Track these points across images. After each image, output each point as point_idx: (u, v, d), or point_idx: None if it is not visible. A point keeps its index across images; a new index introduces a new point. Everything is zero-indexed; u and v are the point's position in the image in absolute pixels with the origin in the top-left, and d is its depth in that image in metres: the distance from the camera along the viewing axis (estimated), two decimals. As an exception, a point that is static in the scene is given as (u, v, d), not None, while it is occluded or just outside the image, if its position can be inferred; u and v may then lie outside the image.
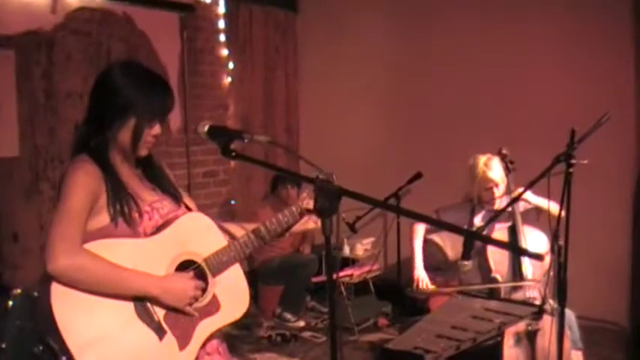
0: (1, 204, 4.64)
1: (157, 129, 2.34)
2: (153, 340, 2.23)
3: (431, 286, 4.36)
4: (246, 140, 2.24)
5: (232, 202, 6.59)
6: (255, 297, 6.30)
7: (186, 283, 2.29)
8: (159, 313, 2.26)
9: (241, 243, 2.47)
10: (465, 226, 4.34)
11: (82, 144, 2.31)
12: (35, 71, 4.84)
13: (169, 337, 2.26)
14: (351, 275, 5.98)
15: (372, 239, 6.34)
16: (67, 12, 5.03)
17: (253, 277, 6.27)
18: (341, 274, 5.91)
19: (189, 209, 2.54)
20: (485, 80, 5.89)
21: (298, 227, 2.69)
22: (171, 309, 2.28)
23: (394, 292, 6.02)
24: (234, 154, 2.24)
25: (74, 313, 2.12)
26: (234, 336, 5.51)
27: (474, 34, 5.94)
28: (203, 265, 2.39)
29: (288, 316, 5.90)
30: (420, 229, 4.61)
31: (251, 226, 2.62)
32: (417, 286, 4.39)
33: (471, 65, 5.96)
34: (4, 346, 3.33)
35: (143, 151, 2.36)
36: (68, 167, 2.27)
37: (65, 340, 2.08)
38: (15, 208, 4.70)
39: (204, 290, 2.36)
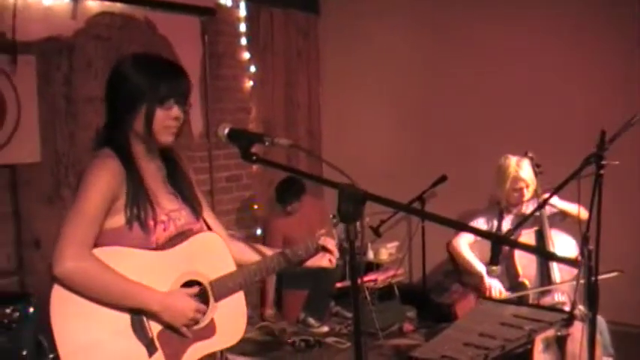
0: (22, 210, 4.63)
1: (175, 111, 2.28)
2: (142, 355, 2.19)
3: (505, 293, 4.18)
4: (267, 143, 2.20)
5: (255, 207, 6.55)
6: (279, 302, 6.27)
7: (188, 304, 2.25)
8: (154, 329, 2.22)
9: (250, 271, 2.45)
10: (493, 231, 4.26)
11: (104, 140, 2.29)
12: (56, 77, 4.82)
13: (159, 354, 2.22)
14: (376, 280, 5.91)
15: (396, 243, 6.27)
16: (88, 17, 5.01)
17: (278, 282, 6.24)
18: (365, 278, 5.84)
19: (207, 225, 2.50)
20: (510, 82, 5.80)
21: (311, 263, 2.66)
22: (167, 326, 2.23)
23: (419, 296, 5.96)
24: (254, 157, 2.20)
25: (70, 318, 2.10)
26: (258, 341, 5.46)
27: (498, 36, 5.86)
28: (207, 287, 2.35)
29: (312, 321, 5.85)
30: (463, 243, 4.47)
31: (268, 251, 2.63)
32: (490, 294, 4.19)
33: (495, 67, 5.88)
34: (24, 353, 3.32)
35: (165, 137, 2.29)
36: (89, 161, 2.23)
37: (57, 342, 2.07)
38: (36, 214, 4.68)
39: (204, 313, 2.31)
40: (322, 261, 2.68)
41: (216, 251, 2.41)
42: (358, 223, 2.00)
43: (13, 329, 3.43)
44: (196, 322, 2.28)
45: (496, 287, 4.18)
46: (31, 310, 3.45)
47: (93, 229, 2.14)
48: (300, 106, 7.05)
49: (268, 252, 2.63)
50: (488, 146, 5.09)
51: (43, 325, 2.13)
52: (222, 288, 2.36)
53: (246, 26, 6.37)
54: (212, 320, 2.34)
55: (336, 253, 2.68)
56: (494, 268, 3.72)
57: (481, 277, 4.28)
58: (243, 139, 2.23)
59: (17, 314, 3.44)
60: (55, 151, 4.83)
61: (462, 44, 6.10)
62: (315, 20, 7.14)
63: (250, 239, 6.26)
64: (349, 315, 5.87)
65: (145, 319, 2.20)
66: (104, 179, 2.17)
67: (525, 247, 2.59)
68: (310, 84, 7.14)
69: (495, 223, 4.44)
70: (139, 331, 2.19)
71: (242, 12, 6.32)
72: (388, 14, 6.56)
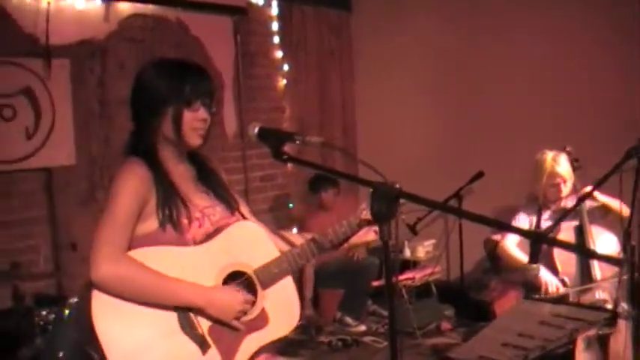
0: (58, 213, 4.67)
1: (202, 113, 2.25)
2: (196, 353, 2.15)
3: (562, 289, 4.03)
4: (298, 142, 2.15)
5: (290, 205, 6.53)
6: (315, 301, 6.24)
7: (234, 296, 2.20)
8: (203, 325, 2.17)
9: (294, 254, 2.36)
10: (532, 228, 4.17)
11: (132, 148, 2.27)
12: (90, 80, 4.87)
13: (213, 351, 2.17)
14: (413, 278, 5.84)
15: (433, 241, 6.18)
16: (120, 20, 5.05)
17: (314, 281, 6.21)
18: (402, 277, 5.78)
19: (244, 218, 2.45)
20: (547, 76, 5.68)
21: (357, 239, 2.57)
22: (216, 321, 2.18)
23: (457, 294, 5.88)
24: (285, 156, 2.16)
25: (115, 324, 2.07)
26: (294, 341, 5.44)
27: (535, 29, 5.74)
28: (252, 276, 2.29)
29: (349, 320, 5.81)
30: (511, 243, 4.35)
31: (308, 236, 2.52)
32: (547, 290, 4.04)
33: (532, 60, 5.76)
34: (61, 355, 3.34)
35: (194, 140, 2.26)
36: (118, 169, 2.22)
37: (105, 351, 2.03)
38: (72, 216, 4.72)
39: (252, 303, 2.26)
40: (367, 235, 2.59)
41: (255, 239, 2.35)
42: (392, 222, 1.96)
43: (50, 331, 3.46)
44: (245, 313, 2.22)
45: (552, 282, 4.03)
46: (67, 312, 3.47)
47: (126, 232, 2.13)
48: (334, 104, 7.02)
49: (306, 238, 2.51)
50: (526, 141, 5.00)
51: (86, 331, 2.05)
52: (268, 275, 2.30)
53: (279, 25, 6.36)
54: (263, 310, 2.28)
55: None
56: (533, 266, 3.62)
57: (536, 274, 4.16)
58: (273, 138, 2.19)
59: (53, 316, 3.47)
60: (90, 154, 4.87)
61: (496, 38, 6.00)
62: (347, 17, 7.09)
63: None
64: (386, 314, 5.81)
65: (192, 315, 2.16)
66: (132, 184, 2.16)
67: (566, 246, 2.52)
68: (344, 82, 7.09)
69: (534, 219, 4.35)
70: (188, 328, 2.15)
71: (274, 11, 6.31)
72: (421, 9, 6.48)
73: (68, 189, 4.76)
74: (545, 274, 4.07)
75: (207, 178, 2.40)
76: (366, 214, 2.49)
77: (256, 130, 2.22)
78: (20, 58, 4.50)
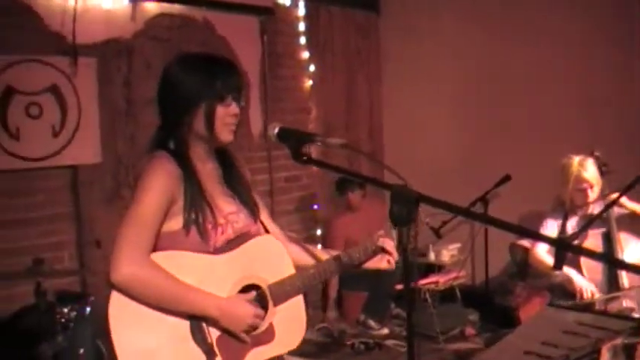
0: (83, 210, 4.69)
1: (233, 108, 2.23)
2: None
3: (597, 295, 3.96)
4: (318, 143, 2.13)
5: (315, 206, 6.50)
6: (339, 303, 6.21)
7: (247, 310, 2.20)
8: (213, 334, 2.17)
9: (309, 274, 2.39)
10: (558, 233, 4.10)
11: (160, 143, 2.24)
12: (116, 78, 4.88)
13: None
14: (437, 282, 5.79)
15: (458, 245, 6.12)
16: (147, 19, 5.05)
17: (338, 284, 6.19)
18: (426, 281, 5.74)
19: (264, 227, 2.45)
20: (576, 79, 5.62)
21: (370, 265, 2.58)
22: (225, 332, 2.18)
23: (482, 299, 5.81)
24: (305, 158, 2.13)
25: (129, 324, 2.06)
26: (317, 343, 5.42)
27: (562, 33, 5.68)
28: (266, 291, 2.29)
29: (372, 323, 5.77)
30: (542, 250, 4.26)
31: (326, 254, 2.56)
32: (582, 296, 3.97)
33: (560, 64, 5.70)
34: (81, 352, 3.35)
35: (226, 135, 2.24)
36: (146, 163, 2.18)
37: (115, 348, 2.03)
38: (97, 214, 4.74)
39: (262, 318, 2.26)
40: (381, 262, 2.60)
41: (274, 254, 2.37)
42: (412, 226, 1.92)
43: (71, 328, 3.47)
44: (255, 328, 2.23)
45: (588, 288, 3.96)
46: (88, 310, 3.48)
47: (150, 234, 2.10)
48: (360, 105, 6.98)
49: (325, 255, 2.56)
50: (555, 144, 4.93)
51: (101, 328, 2.08)
52: (281, 292, 2.31)
53: (305, 25, 6.34)
54: (271, 325, 2.29)
55: (395, 255, 2.60)
56: (557, 273, 3.56)
57: (570, 280, 4.08)
58: (293, 139, 2.16)
59: (74, 314, 3.48)
60: (116, 152, 4.88)
61: (522, 41, 5.93)
62: (375, 19, 7.05)
63: (310, 240, 6.23)
64: (410, 317, 5.77)
65: (204, 324, 2.15)
66: (161, 181, 2.13)
67: (591, 255, 2.45)
68: (371, 83, 7.06)
69: (560, 224, 4.28)
70: (199, 336, 2.14)
71: (301, 11, 6.29)
72: (449, 12, 6.43)
73: (93, 187, 4.77)
74: (580, 280, 3.99)
75: (233, 180, 2.38)
76: (382, 241, 2.52)
77: (276, 130, 2.20)
78: (47, 57, 4.51)
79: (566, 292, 4.01)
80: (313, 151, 6.25)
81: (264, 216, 2.50)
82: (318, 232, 6.44)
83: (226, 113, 2.21)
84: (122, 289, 2.04)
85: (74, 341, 3.38)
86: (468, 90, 6.39)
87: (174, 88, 2.22)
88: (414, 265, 5.93)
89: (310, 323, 5.52)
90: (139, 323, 2.07)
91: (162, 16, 5.16)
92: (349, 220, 5.90)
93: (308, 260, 2.53)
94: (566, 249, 2.70)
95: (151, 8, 5.08)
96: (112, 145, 4.86)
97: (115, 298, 2.05)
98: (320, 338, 5.56)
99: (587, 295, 3.94)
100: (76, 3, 4.58)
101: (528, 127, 5.90)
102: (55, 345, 3.43)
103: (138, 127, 4.95)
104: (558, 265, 3.11)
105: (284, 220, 6.17)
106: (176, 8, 5.23)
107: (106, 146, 4.82)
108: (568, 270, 4.07)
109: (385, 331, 5.72)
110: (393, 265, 2.61)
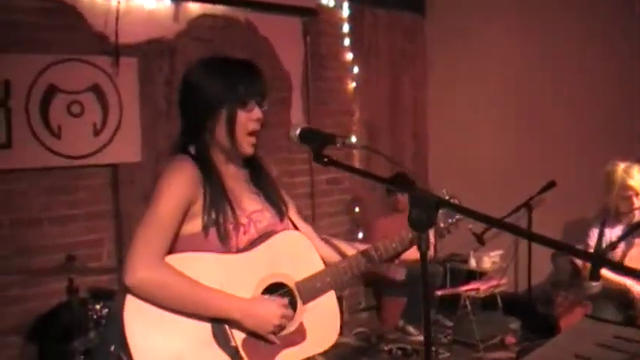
0: (123, 208, 4.74)
1: (256, 112, 2.18)
2: None
3: None
4: (338, 144, 2.09)
5: (356, 209, 6.45)
6: (378, 308, 6.15)
7: (273, 310, 2.11)
8: (237, 337, 2.09)
9: (339, 268, 2.28)
10: (595, 242, 3.98)
11: (182, 147, 2.21)
12: (157, 78, 4.91)
13: None
14: (477, 289, 5.67)
15: (500, 251, 6.00)
16: (189, 20, 5.09)
17: (377, 288, 6.13)
18: (466, 287, 5.63)
19: (294, 225, 2.37)
20: (619, 84, 5.45)
21: (408, 255, 2.44)
22: (251, 334, 2.10)
23: (524, 308, 5.68)
24: (326, 159, 2.09)
25: (147, 331, 2.00)
26: (354, 347, 5.37)
27: (609, 41, 5.51)
28: (294, 289, 2.21)
29: (411, 329, 5.70)
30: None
31: (357, 248, 2.44)
32: None
33: (603, 68, 5.54)
34: (112, 348, 3.35)
35: (246, 147, 2.20)
36: (165, 166, 2.16)
37: (133, 357, 1.96)
38: (137, 212, 4.74)
39: (291, 317, 2.17)
40: (417, 253, 2.52)
41: (300, 250, 2.27)
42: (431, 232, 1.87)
43: (103, 325, 3.49)
44: (283, 328, 2.14)
45: None
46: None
47: (167, 237, 2.05)
48: (404, 108, 6.90)
49: (353, 250, 2.43)
50: (601, 150, 4.81)
51: (117, 339, 2.02)
52: (310, 289, 2.22)
53: (349, 27, 6.29)
54: (301, 324, 2.20)
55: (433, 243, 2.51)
56: (593, 284, 3.44)
57: (628, 288, 3.96)
58: (315, 140, 2.13)
59: (107, 310, 3.50)
60: (156, 151, 4.91)
61: (570, 44, 5.79)
62: (420, 21, 6.96)
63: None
64: (449, 324, 5.69)
65: (226, 327, 2.08)
66: (179, 183, 2.09)
67: (630, 273, 2.34)
68: (415, 86, 6.97)
69: (606, 232, 4.15)
70: (222, 340, 2.07)
71: (345, 12, 6.25)
72: (496, 14, 6.32)
73: (133, 185, 4.81)
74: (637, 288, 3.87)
75: (260, 178, 2.34)
76: None
77: (298, 131, 2.16)
78: (89, 56, 4.58)
79: (622, 302, 3.88)
80: (355, 155, 6.27)
81: (293, 214, 2.43)
82: (360, 235, 6.39)
83: (249, 118, 2.17)
84: (138, 293, 1.99)
85: (106, 338, 3.39)
86: (514, 93, 6.27)
87: (196, 92, 2.19)
88: (440, 272, 5.87)
89: (347, 327, 5.56)
90: (158, 328, 2.01)
91: (204, 16, 5.18)
92: (394, 221, 5.82)
93: (337, 257, 2.42)
94: (600, 265, 2.59)
95: (194, 9, 5.11)
96: (152, 144, 4.89)
97: (131, 302, 1.99)
98: (357, 342, 5.51)
99: None
100: (118, 4, 4.64)
101: (574, 132, 5.76)
102: (86, 341, 3.46)
103: (178, 126, 4.95)
104: (594, 277, 3.00)
105: (325, 223, 6.14)
106: (219, 9, 5.25)
107: (146, 145, 4.86)
108: (623, 279, 3.94)
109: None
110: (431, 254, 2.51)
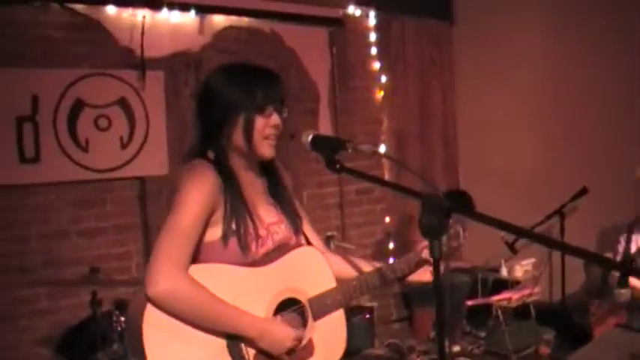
0: (150, 221, 4.76)
1: (274, 119, 2.17)
2: None
3: None
4: (349, 150, 2.06)
5: (387, 219, 6.39)
6: (410, 319, 6.08)
7: (287, 333, 2.11)
8: (250, 353, 2.10)
9: (350, 288, 2.31)
10: (622, 250, 3.88)
11: (200, 153, 2.20)
12: (184, 91, 4.93)
13: None
14: (509, 299, 5.56)
15: (532, 260, 5.88)
16: (215, 32, 5.11)
17: (408, 299, 6.05)
18: (498, 297, 5.53)
19: (306, 239, 2.38)
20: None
21: (414, 277, 2.48)
22: (263, 352, 2.11)
23: (558, 317, 5.56)
24: (338, 166, 2.07)
25: (165, 343, 1.99)
26: (384, 358, 5.31)
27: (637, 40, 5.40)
28: (306, 306, 2.22)
29: (443, 340, 5.60)
30: None
31: (370, 265, 2.47)
32: None
33: (635, 72, 5.42)
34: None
35: (265, 149, 2.19)
36: (184, 172, 2.13)
37: None
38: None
39: (302, 339, 2.18)
40: (424, 275, 2.49)
41: (315, 267, 2.30)
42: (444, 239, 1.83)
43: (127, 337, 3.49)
44: (294, 350, 2.14)
45: None
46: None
47: (189, 247, 2.03)
48: (434, 116, 6.83)
49: (367, 266, 2.47)
50: (634, 156, 4.69)
51: (134, 349, 2.01)
52: (322, 306, 2.24)
53: (376, 36, 6.25)
54: (310, 340, 2.22)
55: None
56: (622, 292, 3.34)
57: (625, 300, 3.88)
58: (327, 147, 2.10)
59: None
60: (183, 164, 4.92)
61: (604, 50, 5.68)
62: (448, 29, 6.90)
63: (381, 254, 6.14)
64: (482, 335, 5.59)
65: (242, 344, 2.09)
66: (201, 191, 2.06)
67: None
68: (445, 94, 6.90)
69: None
70: (236, 355, 2.08)
71: (371, 22, 6.20)
72: (525, 20, 6.23)
73: (161, 198, 4.83)
74: None
75: (277, 189, 2.34)
76: (427, 254, 2.37)
77: (310, 138, 2.14)
78: (116, 70, 4.63)
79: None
80: (385, 163, 6.23)
81: (307, 228, 2.43)
82: (391, 245, 6.33)
83: (266, 124, 2.16)
84: (159, 304, 1.96)
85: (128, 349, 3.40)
86: (544, 100, 6.17)
87: (214, 98, 2.18)
88: (466, 282, 5.76)
89: (379, 339, 5.50)
90: (175, 340, 2.00)
91: (230, 28, 5.20)
92: None
93: (350, 272, 2.44)
94: (628, 274, 2.52)
95: (219, 21, 5.13)
96: (179, 156, 4.88)
97: (150, 312, 1.97)
98: (389, 354, 5.44)
99: None
100: (144, 18, 4.68)
101: (607, 136, 5.65)
102: (110, 353, 3.47)
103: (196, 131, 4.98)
104: (623, 285, 2.91)
105: (355, 233, 6.10)
106: (244, 21, 5.27)
107: (173, 158, 4.87)
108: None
109: (456, 348, 5.53)
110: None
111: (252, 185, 2.25)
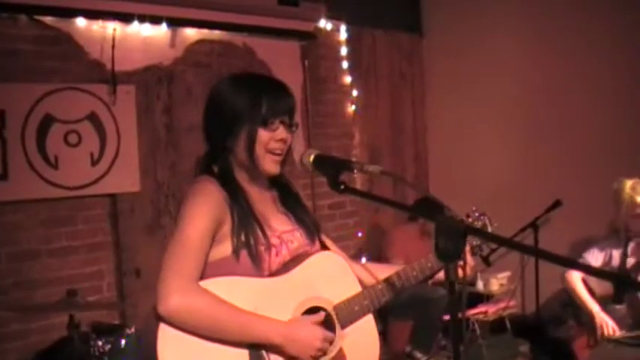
0: (122, 239, 4.63)
1: (280, 133, 2.09)
2: None
3: (618, 332, 3.78)
4: (355, 171, 1.99)
5: (359, 234, 6.35)
6: (384, 333, 6.02)
7: (315, 332, 2.01)
8: None
9: (377, 290, 2.19)
10: (617, 263, 3.89)
11: (205, 168, 2.13)
12: (156, 106, 4.83)
13: None
14: (485, 312, 5.58)
15: (507, 273, 5.90)
16: (187, 45, 5.02)
17: (383, 311, 5.99)
18: (474, 311, 5.52)
19: (325, 247, 2.28)
20: (625, 100, 5.39)
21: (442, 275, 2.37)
22: (290, 357, 2.01)
23: (533, 330, 5.57)
24: (343, 187, 1.99)
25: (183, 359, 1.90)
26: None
27: (616, 54, 5.46)
28: (332, 314, 2.11)
29: (419, 355, 5.57)
30: (575, 277, 4.12)
31: (390, 268, 2.33)
32: (603, 333, 3.83)
33: (612, 86, 5.48)
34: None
35: (268, 165, 2.11)
36: (189, 189, 2.06)
37: None
38: (137, 243, 4.67)
39: (331, 342, 2.07)
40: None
41: (337, 272, 2.18)
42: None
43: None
44: (324, 352, 2.04)
45: (609, 324, 3.81)
46: (124, 342, 3.38)
47: (199, 260, 1.96)
48: (405, 129, 6.84)
49: (389, 270, 2.33)
50: (608, 168, 4.72)
51: None
52: (349, 313, 2.13)
53: (348, 49, 6.23)
54: (341, 349, 2.10)
55: (470, 261, 2.40)
56: (618, 307, 3.34)
57: (592, 315, 3.91)
58: (330, 167, 2.03)
59: (109, 346, 3.39)
60: (156, 181, 4.83)
61: (577, 62, 5.74)
62: (418, 41, 6.92)
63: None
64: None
65: (264, 353, 1.99)
66: (206, 204, 2.00)
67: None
68: (415, 107, 6.92)
69: (613, 252, 4.07)
70: None
71: (343, 35, 6.18)
72: (495, 32, 6.27)
73: (133, 215, 4.72)
74: (600, 315, 3.82)
75: (288, 200, 2.26)
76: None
77: (312, 157, 2.06)
78: (86, 84, 4.49)
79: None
80: (357, 179, 6.18)
81: (324, 235, 2.35)
82: (363, 260, 6.27)
83: (271, 138, 2.08)
84: (172, 321, 1.89)
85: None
86: (516, 113, 6.21)
87: (219, 108, 2.11)
88: (444, 296, 5.75)
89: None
90: (193, 357, 1.91)
91: (202, 42, 5.11)
92: (409, 234, 5.68)
93: (372, 279, 2.31)
94: (624, 285, 2.49)
95: (191, 34, 5.04)
96: (151, 173, 4.80)
97: (165, 332, 1.90)
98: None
99: (608, 331, 3.80)
100: (114, 31, 4.56)
101: (581, 149, 5.69)
102: (88, 377, 3.34)
103: (178, 154, 4.89)
104: (618, 300, 2.90)
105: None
106: (216, 34, 5.18)
107: (145, 174, 4.77)
108: (592, 304, 3.91)
109: (433, 362, 5.52)
110: (467, 273, 2.41)
111: (261, 197, 2.17)
